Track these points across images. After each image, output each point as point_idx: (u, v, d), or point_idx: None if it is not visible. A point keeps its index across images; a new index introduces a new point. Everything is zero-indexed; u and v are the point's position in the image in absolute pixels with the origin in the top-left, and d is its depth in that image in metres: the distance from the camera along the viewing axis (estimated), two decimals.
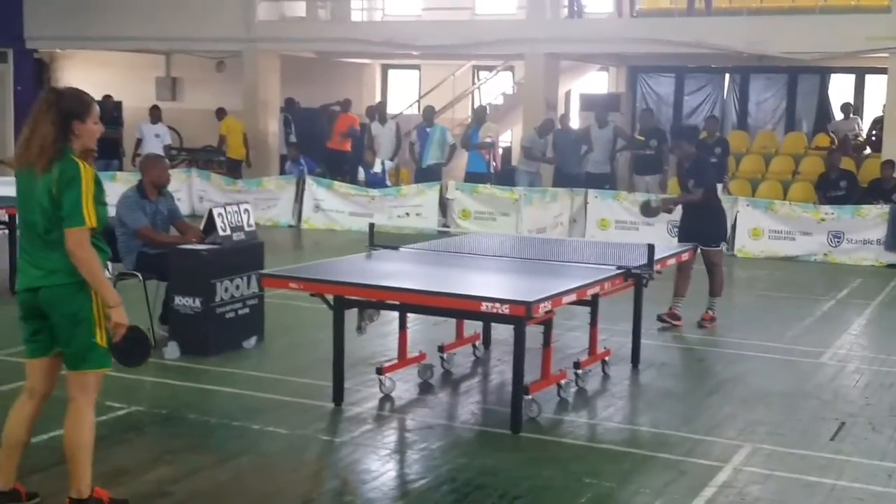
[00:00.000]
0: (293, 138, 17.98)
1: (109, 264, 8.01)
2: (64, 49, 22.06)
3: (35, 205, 4.34)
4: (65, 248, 4.31)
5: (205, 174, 17.18)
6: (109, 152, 17.10)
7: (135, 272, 7.81)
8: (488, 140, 15.78)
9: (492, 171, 15.81)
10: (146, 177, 7.97)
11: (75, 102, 4.39)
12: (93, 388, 4.46)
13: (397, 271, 6.76)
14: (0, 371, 6.92)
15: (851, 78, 19.24)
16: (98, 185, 4.36)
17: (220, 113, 17.93)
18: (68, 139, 4.34)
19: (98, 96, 17.93)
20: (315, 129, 18.57)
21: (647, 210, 9.50)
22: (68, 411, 4.43)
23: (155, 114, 17.13)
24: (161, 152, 15.50)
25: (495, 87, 21.78)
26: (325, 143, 17.98)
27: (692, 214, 9.15)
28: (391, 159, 16.53)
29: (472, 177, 15.81)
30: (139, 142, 16.75)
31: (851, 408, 6.66)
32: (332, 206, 15.76)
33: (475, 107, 17.68)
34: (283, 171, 17.61)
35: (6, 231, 10.05)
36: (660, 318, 8.86)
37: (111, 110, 17.63)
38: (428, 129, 16.00)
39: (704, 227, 8.99)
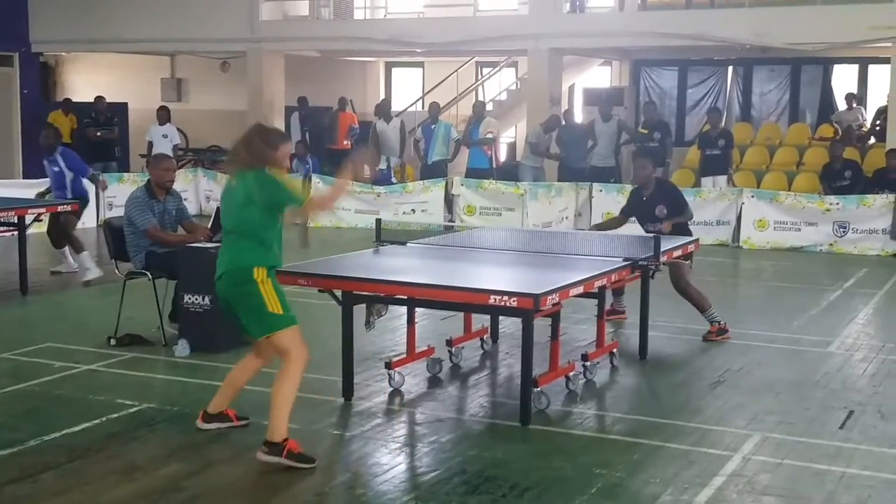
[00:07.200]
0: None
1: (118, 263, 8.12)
2: (69, 52, 22.12)
3: None
4: None
5: (211, 174, 17.19)
6: (105, 154, 16.94)
7: (144, 271, 7.87)
8: (490, 135, 15.81)
9: (494, 166, 15.84)
10: (152, 177, 8.05)
11: None
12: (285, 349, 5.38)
13: (405, 266, 6.79)
14: (16, 370, 6.99)
15: (855, 68, 19.24)
16: None
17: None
18: None
19: (105, 98, 17.97)
20: (321, 129, 18.58)
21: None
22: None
23: (163, 115, 17.00)
24: (169, 152, 15.52)
25: (499, 84, 21.79)
26: (328, 146, 17.92)
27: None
28: (397, 157, 16.56)
29: (475, 173, 15.83)
30: (150, 144, 16.57)
31: (860, 396, 6.68)
32: (338, 203, 15.74)
33: (474, 103, 17.72)
34: (289, 169, 17.60)
35: (15, 233, 10.06)
36: (706, 339, 8.19)
37: (104, 111, 17.54)
38: (433, 126, 16.03)
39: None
